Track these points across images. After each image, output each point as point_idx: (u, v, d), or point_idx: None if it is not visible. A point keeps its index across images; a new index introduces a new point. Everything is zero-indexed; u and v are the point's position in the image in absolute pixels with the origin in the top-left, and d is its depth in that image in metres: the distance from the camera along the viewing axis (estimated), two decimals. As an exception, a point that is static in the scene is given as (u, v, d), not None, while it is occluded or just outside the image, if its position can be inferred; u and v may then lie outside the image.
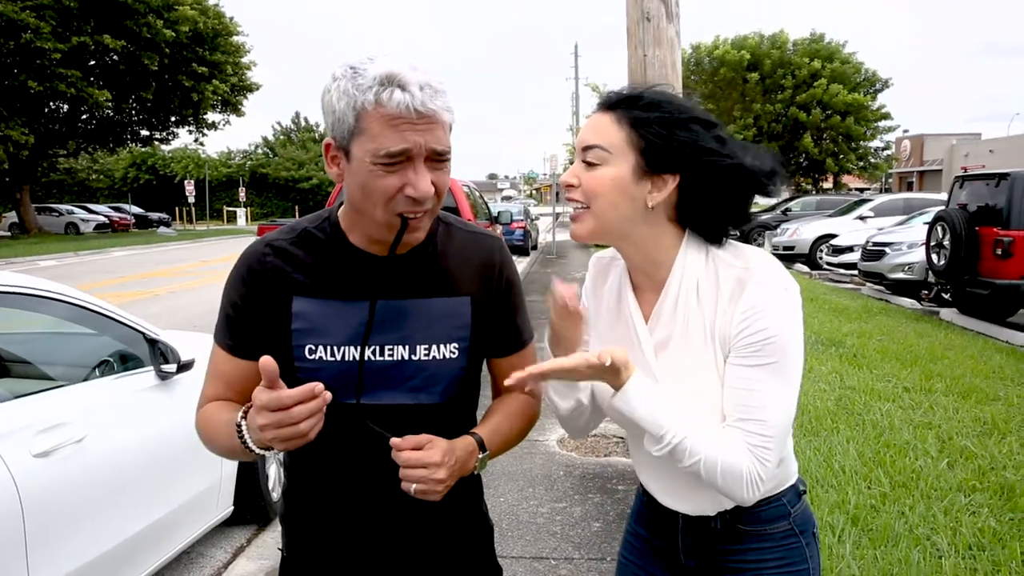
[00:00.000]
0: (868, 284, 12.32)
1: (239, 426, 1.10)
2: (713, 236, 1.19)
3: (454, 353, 1.23)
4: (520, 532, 3.45)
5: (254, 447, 1.09)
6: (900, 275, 11.01)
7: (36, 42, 22.63)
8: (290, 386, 1.11)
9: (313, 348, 1.19)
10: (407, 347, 1.21)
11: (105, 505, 2.47)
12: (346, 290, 1.21)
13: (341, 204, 1.24)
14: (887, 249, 11.47)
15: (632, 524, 1.45)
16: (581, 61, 50.23)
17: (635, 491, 1.48)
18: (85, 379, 2.74)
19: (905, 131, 39.92)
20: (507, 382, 1.07)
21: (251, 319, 1.21)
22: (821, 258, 15.97)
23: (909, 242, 11.15)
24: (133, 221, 36.81)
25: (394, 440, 1.13)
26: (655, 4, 4.01)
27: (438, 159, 1.10)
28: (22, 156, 28.35)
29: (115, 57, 26.56)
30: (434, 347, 1.22)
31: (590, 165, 1.16)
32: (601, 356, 1.05)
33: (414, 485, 1.10)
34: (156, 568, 2.78)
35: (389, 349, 1.20)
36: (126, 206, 40.17)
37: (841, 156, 32.34)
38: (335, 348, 1.19)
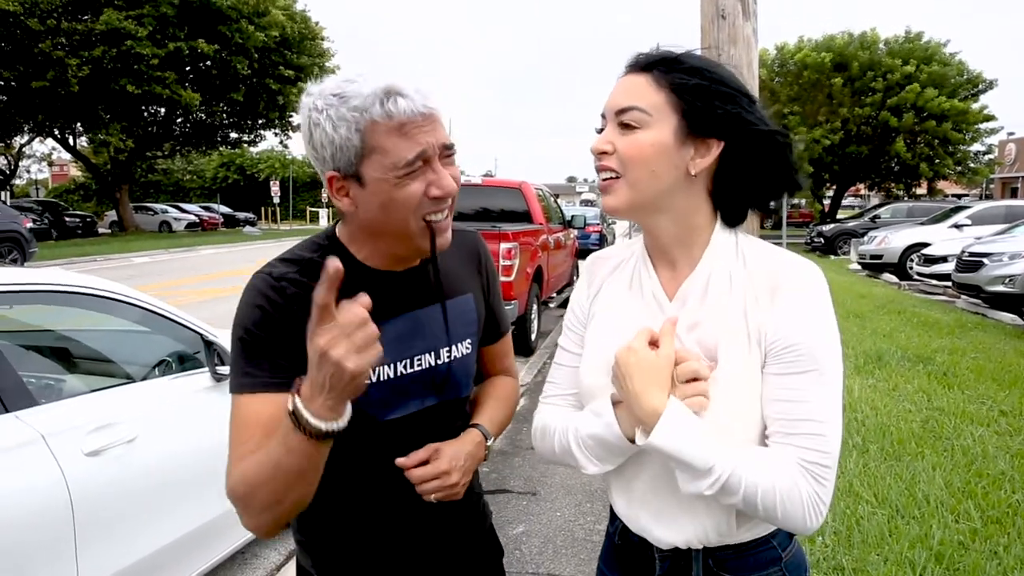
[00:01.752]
0: (963, 297, 11.59)
1: (294, 408, 0.94)
2: (742, 215, 1.12)
3: (468, 348, 1.30)
4: (575, 550, 3.33)
5: (315, 421, 0.93)
6: (999, 288, 10.30)
7: (136, 48, 23.84)
8: None
9: None
10: (432, 353, 1.24)
11: (156, 504, 2.49)
12: (371, 314, 1.11)
13: (331, 231, 1.23)
14: (985, 260, 10.75)
15: (601, 566, 1.31)
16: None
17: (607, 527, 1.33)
18: (144, 378, 2.79)
19: (1010, 133, 37.61)
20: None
21: (283, 351, 1.10)
22: (911, 268, 15.18)
23: (1011, 253, 10.43)
24: (221, 220, 38.40)
25: (399, 461, 1.17)
26: (731, 1, 3.82)
27: (448, 154, 1.11)
28: (121, 158, 30.00)
29: (208, 63, 27.71)
30: (454, 347, 1.27)
31: (626, 128, 1.05)
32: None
33: (434, 495, 1.17)
34: (208, 568, 2.80)
35: (417, 360, 1.22)
36: (215, 205, 41.90)
37: (937, 161, 30.62)
38: (370, 371, 1.11)
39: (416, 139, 1.05)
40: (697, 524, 1.09)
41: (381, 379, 1.18)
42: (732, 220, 1.11)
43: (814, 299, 1.03)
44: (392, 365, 1.19)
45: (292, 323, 1.10)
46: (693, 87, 1.03)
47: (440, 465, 1.17)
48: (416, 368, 1.22)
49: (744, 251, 1.10)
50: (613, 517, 1.25)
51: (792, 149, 1.08)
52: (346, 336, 0.89)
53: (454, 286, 1.28)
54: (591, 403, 1.13)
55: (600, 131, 1.10)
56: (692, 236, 1.10)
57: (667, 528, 1.12)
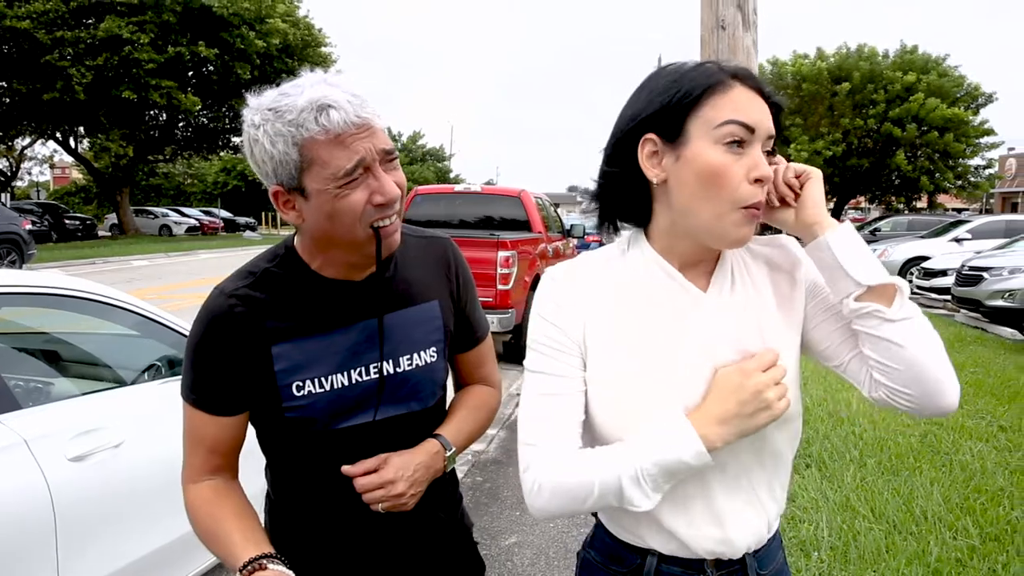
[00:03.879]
0: (962, 311, 11.56)
1: None
2: None
3: (433, 357, 1.27)
4: (567, 562, 3.29)
5: None
6: (999, 302, 10.26)
7: (135, 54, 23.91)
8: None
9: (300, 384, 1.16)
10: (391, 361, 1.22)
11: (142, 511, 2.45)
12: (325, 323, 1.17)
13: (289, 241, 1.23)
14: (985, 274, 10.71)
15: None
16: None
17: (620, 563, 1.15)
18: (132, 383, 2.75)
19: (1010, 148, 37.71)
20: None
21: (229, 375, 1.16)
22: (911, 281, 15.16)
23: (1011, 267, 10.40)
24: (222, 225, 38.36)
25: (345, 468, 1.17)
26: (731, 12, 3.80)
27: (388, 159, 1.10)
28: (122, 162, 30.01)
29: (210, 68, 27.76)
30: (415, 355, 1.25)
31: (768, 156, 1.01)
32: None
33: (379, 504, 1.17)
34: (197, 574, 2.75)
35: (374, 367, 1.20)
36: (215, 210, 41.88)
37: (937, 174, 30.60)
38: (323, 379, 1.17)
39: (353, 148, 1.04)
40: (761, 516, 1.09)
41: (335, 387, 1.18)
42: None
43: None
44: (346, 373, 1.18)
45: (237, 344, 1.14)
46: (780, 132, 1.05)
47: (385, 474, 1.16)
48: (373, 376, 1.20)
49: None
50: (634, 553, 1.13)
51: None
52: None
53: (417, 293, 1.27)
54: (645, 425, 1.00)
55: (737, 143, 0.97)
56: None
57: (739, 530, 1.08)
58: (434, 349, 1.27)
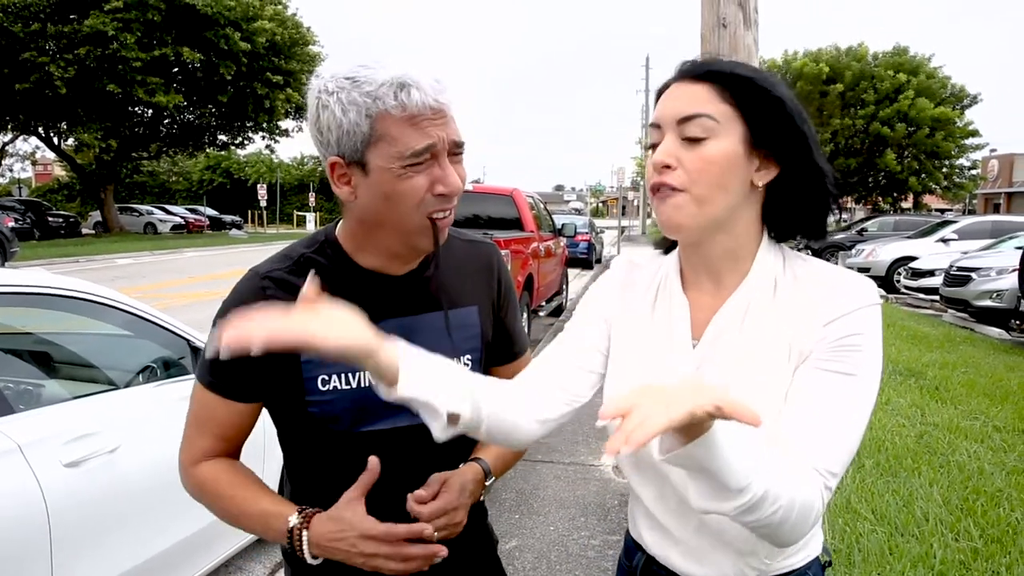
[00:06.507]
0: (950, 311, 11.65)
1: (295, 536, 1.06)
2: (790, 233, 1.04)
3: (468, 365, 1.20)
4: (569, 566, 3.25)
5: (309, 557, 1.07)
6: (987, 303, 10.35)
7: (121, 51, 23.64)
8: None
9: (327, 379, 1.11)
10: None
11: (138, 518, 2.39)
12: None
13: (330, 228, 1.19)
14: (973, 274, 10.79)
15: None
16: (652, 73, 49.62)
17: (619, 557, 1.24)
18: (127, 385, 2.68)
19: (992, 150, 38.10)
20: (606, 458, 0.80)
21: (251, 360, 1.05)
22: (899, 281, 15.26)
23: (998, 267, 10.47)
24: (207, 223, 38.05)
25: (413, 507, 1.08)
26: (732, 9, 3.77)
27: (457, 152, 1.07)
28: (106, 157, 29.68)
29: (196, 65, 27.51)
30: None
31: (692, 142, 0.94)
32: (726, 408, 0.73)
33: (437, 532, 1.09)
34: (192, 581, 2.69)
35: None
36: (201, 208, 41.56)
37: (924, 175, 30.85)
38: (350, 375, 1.11)
39: (427, 131, 1.01)
40: (738, 559, 1.02)
41: (362, 385, 1.11)
42: (780, 236, 1.04)
43: (870, 299, 0.95)
44: None
45: None
46: (760, 99, 0.95)
47: (450, 499, 1.10)
48: None
49: (792, 263, 1.02)
50: (631, 550, 1.17)
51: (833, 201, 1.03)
52: (390, 558, 1.04)
53: (455, 296, 1.20)
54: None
55: (653, 147, 0.99)
56: (739, 253, 1.01)
57: (698, 563, 1.04)
58: (469, 357, 1.21)
